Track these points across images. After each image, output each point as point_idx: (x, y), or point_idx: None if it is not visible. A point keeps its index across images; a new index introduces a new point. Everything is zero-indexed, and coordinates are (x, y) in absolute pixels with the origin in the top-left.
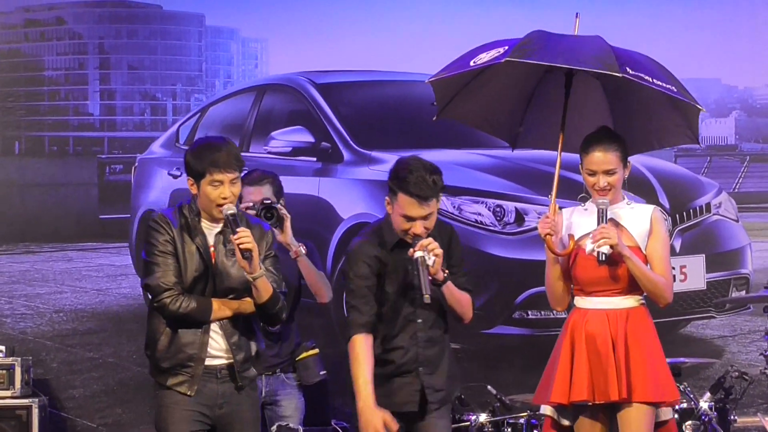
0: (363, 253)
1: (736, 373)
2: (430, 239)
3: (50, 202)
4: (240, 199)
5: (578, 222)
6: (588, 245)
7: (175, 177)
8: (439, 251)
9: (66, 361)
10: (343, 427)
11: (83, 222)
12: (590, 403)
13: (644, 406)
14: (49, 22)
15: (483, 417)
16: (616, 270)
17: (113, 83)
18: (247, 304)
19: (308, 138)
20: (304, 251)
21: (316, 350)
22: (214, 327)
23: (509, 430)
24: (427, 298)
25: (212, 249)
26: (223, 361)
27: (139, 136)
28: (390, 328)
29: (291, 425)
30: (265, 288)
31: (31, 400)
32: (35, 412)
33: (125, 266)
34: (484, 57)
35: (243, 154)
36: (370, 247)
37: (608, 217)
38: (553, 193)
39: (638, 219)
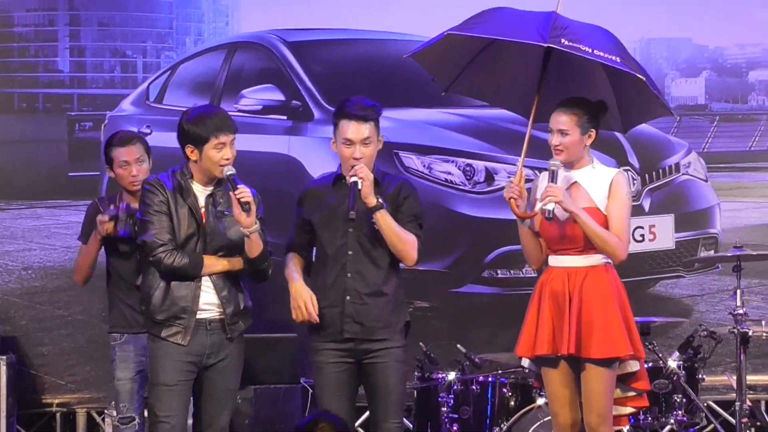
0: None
1: (705, 333)
2: (362, 165)
3: (20, 159)
4: (111, 161)
5: (544, 184)
6: (537, 204)
7: (145, 135)
8: (370, 176)
9: (35, 318)
10: (311, 384)
11: (53, 179)
12: (554, 356)
13: (600, 367)
14: None
15: (452, 375)
16: (573, 229)
17: (83, 40)
18: (236, 262)
19: (279, 96)
20: None
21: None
22: (206, 282)
23: (478, 388)
24: (351, 214)
25: (203, 210)
26: (214, 314)
27: (110, 93)
28: (324, 259)
29: None
30: (257, 242)
31: None
32: (3, 369)
33: None
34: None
35: None
36: (309, 189)
37: (563, 178)
38: (521, 158)
39: (599, 181)
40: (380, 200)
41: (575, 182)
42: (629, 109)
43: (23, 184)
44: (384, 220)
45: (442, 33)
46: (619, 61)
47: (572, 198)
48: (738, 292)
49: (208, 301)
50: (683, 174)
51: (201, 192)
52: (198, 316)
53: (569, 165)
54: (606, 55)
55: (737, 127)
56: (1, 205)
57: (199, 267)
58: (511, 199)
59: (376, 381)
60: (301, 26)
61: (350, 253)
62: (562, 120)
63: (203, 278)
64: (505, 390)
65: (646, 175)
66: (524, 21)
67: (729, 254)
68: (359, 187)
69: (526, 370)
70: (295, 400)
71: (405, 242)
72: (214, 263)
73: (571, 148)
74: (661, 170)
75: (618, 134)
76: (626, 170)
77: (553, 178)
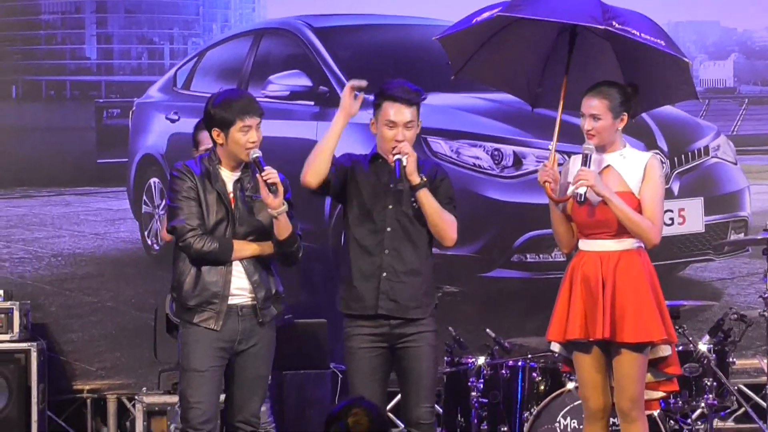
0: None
1: (735, 316)
2: (406, 143)
3: (48, 146)
4: (197, 144)
5: (576, 168)
6: (570, 188)
7: (173, 121)
8: (414, 154)
9: (64, 305)
10: (341, 370)
11: (81, 166)
12: (586, 341)
13: (633, 352)
14: None
15: (481, 360)
16: (606, 213)
17: (110, 27)
18: (266, 246)
19: (306, 82)
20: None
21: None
22: (237, 267)
23: (508, 373)
24: (400, 185)
25: (231, 195)
26: (245, 300)
27: (137, 80)
28: (362, 234)
29: None
30: (286, 224)
31: (29, 344)
32: (34, 355)
33: (123, 210)
34: (485, 15)
35: None
36: (348, 156)
37: (597, 161)
38: (553, 142)
39: (633, 165)
40: (424, 179)
41: (608, 166)
42: (655, 89)
43: (52, 171)
44: (427, 198)
45: (492, 15)
46: (663, 44)
47: (605, 182)
48: None
49: (240, 286)
50: (712, 157)
51: (229, 177)
52: (230, 302)
53: (601, 149)
54: (652, 39)
55: (766, 110)
56: (30, 193)
57: (228, 252)
58: (546, 183)
59: (409, 365)
60: (327, 12)
61: (389, 230)
62: (593, 104)
63: (234, 263)
64: (534, 374)
65: (675, 158)
66: (570, 3)
67: (759, 237)
68: (404, 163)
69: (556, 355)
70: (324, 386)
71: (445, 221)
72: (244, 248)
73: (603, 133)
74: (690, 153)
75: (647, 118)
76: (655, 154)
77: (586, 161)
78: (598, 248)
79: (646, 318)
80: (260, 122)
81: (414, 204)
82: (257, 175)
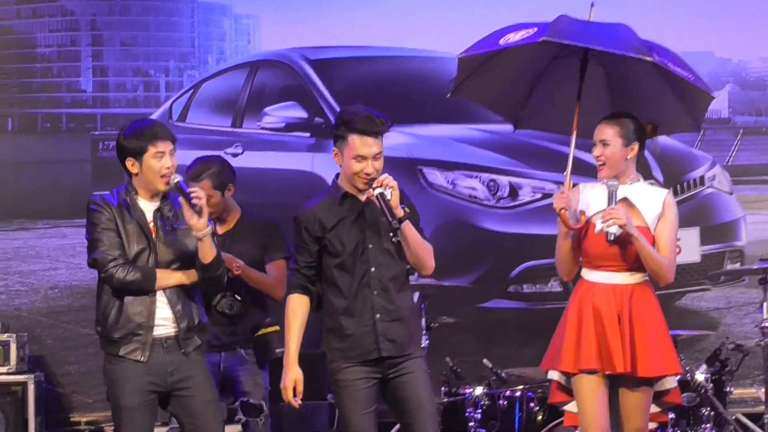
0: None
1: (732, 345)
2: (386, 175)
3: (44, 179)
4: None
5: (591, 198)
6: (598, 224)
7: None
8: (395, 184)
9: (61, 337)
10: None
11: (77, 198)
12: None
13: (644, 384)
14: None
15: (479, 390)
16: (625, 249)
17: (106, 60)
18: (190, 275)
19: (301, 113)
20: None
21: (276, 327)
22: (161, 297)
23: (505, 403)
24: (395, 223)
25: (151, 224)
26: (169, 330)
27: (132, 112)
28: (343, 280)
29: (252, 401)
30: (210, 247)
31: (26, 376)
32: (31, 388)
33: None
34: (513, 37)
35: (236, 130)
36: (309, 209)
37: (619, 197)
38: (568, 169)
39: (651, 200)
40: (406, 210)
41: (624, 198)
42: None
43: (48, 204)
44: (410, 229)
45: (532, 37)
46: (693, 78)
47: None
48: (765, 304)
49: (163, 317)
50: (708, 187)
51: (147, 207)
52: (155, 333)
53: (614, 179)
54: (684, 72)
55: (761, 140)
56: (26, 225)
57: (152, 280)
58: (562, 210)
59: (407, 394)
60: (322, 44)
61: (373, 269)
62: (604, 131)
63: (158, 293)
64: (532, 405)
65: (671, 188)
66: (610, 32)
67: (755, 267)
68: (389, 197)
69: (546, 383)
70: (322, 417)
71: (426, 251)
72: (169, 276)
73: (611, 159)
74: (685, 183)
75: None
76: (650, 184)
77: (612, 199)
78: (611, 281)
79: (666, 352)
80: (174, 149)
81: (393, 239)
82: (180, 198)
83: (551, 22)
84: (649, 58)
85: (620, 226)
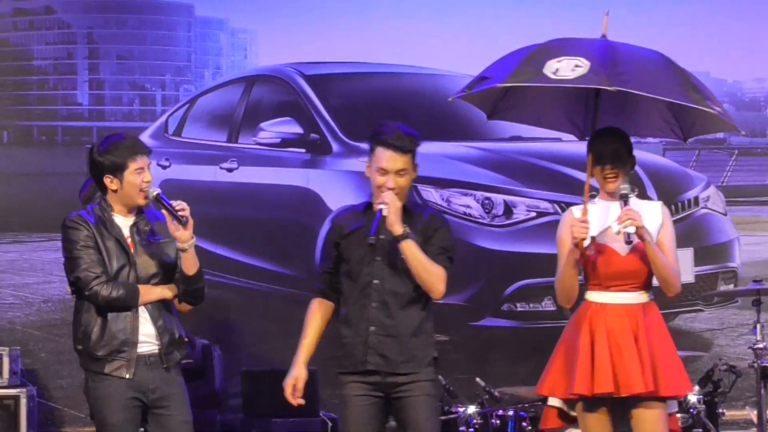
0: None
1: (725, 367)
2: (390, 193)
3: (39, 191)
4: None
5: (592, 218)
6: (614, 226)
7: (164, 168)
8: (398, 204)
9: (54, 350)
10: (330, 417)
11: (72, 212)
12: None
13: (660, 404)
14: (38, 11)
15: (471, 409)
16: (638, 265)
17: (102, 73)
18: (171, 288)
19: (297, 129)
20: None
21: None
22: (143, 312)
23: (498, 422)
24: (371, 239)
25: (129, 240)
26: (152, 347)
27: (128, 126)
28: (351, 287)
29: None
30: (193, 258)
31: (19, 390)
32: (23, 402)
33: None
34: (563, 70)
35: (232, 144)
36: (339, 217)
37: (606, 208)
38: (585, 194)
39: (650, 213)
40: (407, 230)
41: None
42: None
43: (42, 216)
44: (410, 250)
45: (593, 81)
46: (721, 111)
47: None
48: (758, 326)
49: (146, 332)
50: (702, 208)
51: (123, 223)
52: (138, 350)
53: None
54: (717, 108)
55: (756, 161)
56: (20, 238)
57: (135, 296)
58: (582, 240)
59: (406, 417)
60: (318, 59)
61: (376, 282)
62: (614, 143)
63: (140, 309)
64: (524, 424)
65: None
66: (656, 74)
67: (749, 288)
68: (384, 214)
69: (539, 402)
70: None
71: (431, 274)
72: (150, 291)
73: (623, 171)
74: (680, 204)
75: (637, 168)
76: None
77: (626, 202)
78: (622, 301)
79: (681, 370)
80: (150, 163)
81: (402, 256)
82: (162, 210)
83: (598, 52)
84: (709, 110)
85: (637, 227)
